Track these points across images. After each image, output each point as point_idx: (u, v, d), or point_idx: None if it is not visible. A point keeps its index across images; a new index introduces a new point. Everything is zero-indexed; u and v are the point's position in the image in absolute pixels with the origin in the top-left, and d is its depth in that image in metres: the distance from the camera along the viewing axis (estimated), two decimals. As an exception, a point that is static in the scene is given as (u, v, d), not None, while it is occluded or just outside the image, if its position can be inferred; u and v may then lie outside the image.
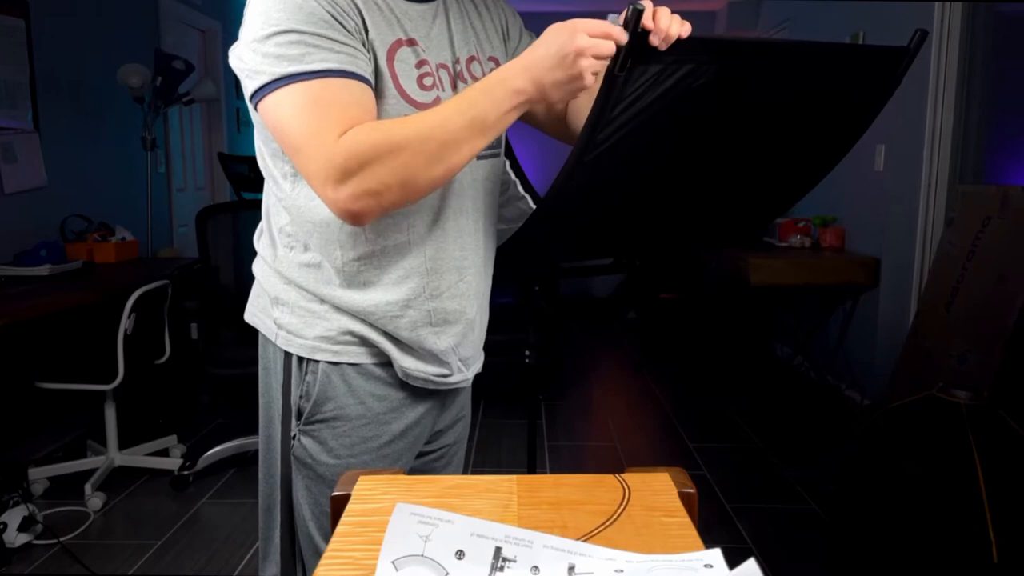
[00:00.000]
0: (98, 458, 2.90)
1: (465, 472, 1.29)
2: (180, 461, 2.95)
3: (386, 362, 1.08)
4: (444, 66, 1.05)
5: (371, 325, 1.06)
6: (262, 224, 1.12)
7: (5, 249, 3.02)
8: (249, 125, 6.89)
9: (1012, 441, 2.19)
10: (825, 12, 4.38)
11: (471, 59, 1.10)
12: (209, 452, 2.99)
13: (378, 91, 0.96)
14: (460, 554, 0.67)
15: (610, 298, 6.37)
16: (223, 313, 2.99)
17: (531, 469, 2.27)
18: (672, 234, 1.41)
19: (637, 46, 0.85)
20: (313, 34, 0.89)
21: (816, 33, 4.56)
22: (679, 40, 0.87)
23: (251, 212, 3.51)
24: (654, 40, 0.85)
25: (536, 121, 1.23)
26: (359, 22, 0.94)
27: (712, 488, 2.88)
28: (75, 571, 2.29)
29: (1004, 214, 2.77)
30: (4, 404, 2.87)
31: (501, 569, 0.66)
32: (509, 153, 1.42)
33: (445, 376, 1.12)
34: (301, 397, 1.07)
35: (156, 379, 3.36)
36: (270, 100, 0.90)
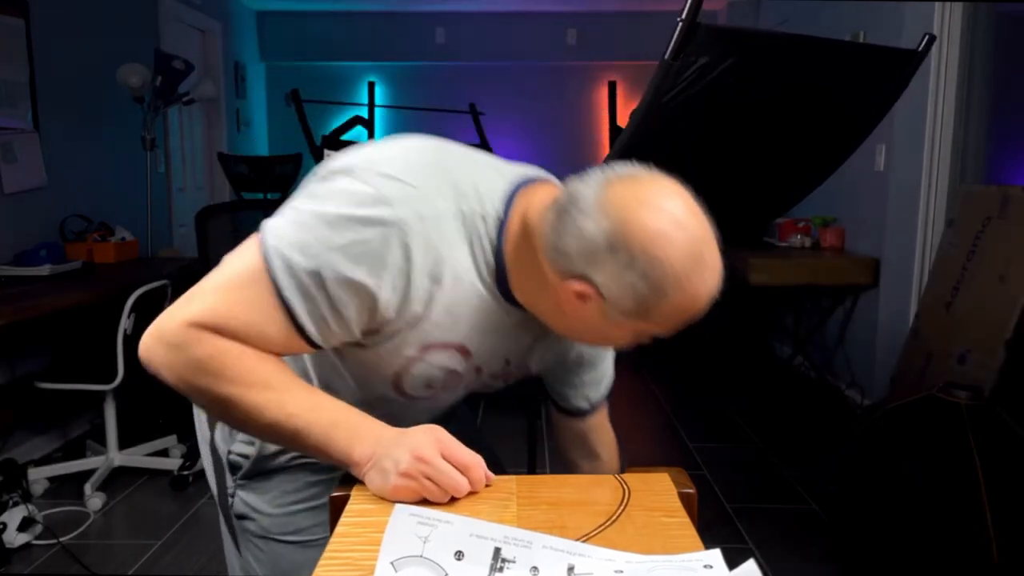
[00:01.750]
0: (98, 458, 2.89)
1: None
2: (180, 461, 2.94)
3: None
4: (466, 352, 0.91)
5: None
6: None
7: (5, 249, 3.02)
8: (248, 125, 6.82)
9: (1012, 441, 2.19)
10: (824, 12, 4.37)
11: (507, 361, 0.98)
12: (209, 452, 2.98)
13: (376, 363, 0.88)
14: (459, 555, 0.67)
15: (610, 298, 6.35)
16: (223, 313, 2.98)
17: (531, 469, 2.27)
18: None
19: (690, 35, 0.88)
20: (316, 277, 0.80)
21: (815, 33, 4.55)
22: (727, 31, 0.90)
23: (251, 212, 3.49)
24: None
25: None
26: (409, 314, 0.82)
27: (712, 488, 2.88)
28: (75, 571, 2.29)
29: (1004, 214, 2.77)
30: (4, 404, 2.87)
31: (500, 570, 0.66)
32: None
33: None
34: (231, 452, 1.02)
35: (156, 379, 3.36)
36: (250, 243, 0.84)
